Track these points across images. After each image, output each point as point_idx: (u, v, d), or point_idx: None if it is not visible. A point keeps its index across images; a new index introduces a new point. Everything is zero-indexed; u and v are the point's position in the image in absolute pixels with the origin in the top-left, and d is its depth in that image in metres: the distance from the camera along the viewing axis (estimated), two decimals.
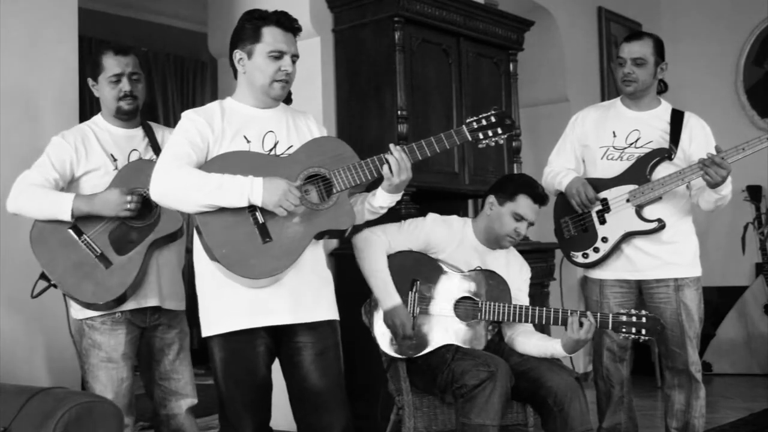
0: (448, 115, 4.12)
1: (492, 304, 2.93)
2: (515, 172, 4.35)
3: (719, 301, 5.82)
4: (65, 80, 3.24)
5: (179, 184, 2.31)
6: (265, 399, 2.50)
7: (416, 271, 2.97)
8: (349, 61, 4.03)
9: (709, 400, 3.46)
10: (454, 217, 3.14)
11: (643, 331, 2.82)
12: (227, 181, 2.31)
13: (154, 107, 6.82)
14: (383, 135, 3.79)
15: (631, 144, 3.19)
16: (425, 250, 3.03)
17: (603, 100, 5.61)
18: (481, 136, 2.57)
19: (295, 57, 2.48)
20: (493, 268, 3.01)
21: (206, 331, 2.46)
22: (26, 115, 3.10)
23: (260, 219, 2.36)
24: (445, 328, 2.95)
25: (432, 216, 3.09)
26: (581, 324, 2.80)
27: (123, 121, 2.84)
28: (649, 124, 3.21)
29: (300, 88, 2.78)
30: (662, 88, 3.30)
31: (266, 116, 2.52)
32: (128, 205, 2.61)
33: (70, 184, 2.73)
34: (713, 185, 2.99)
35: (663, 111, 3.24)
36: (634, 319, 2.83)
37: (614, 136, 3.23)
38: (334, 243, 3.81)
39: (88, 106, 6.31)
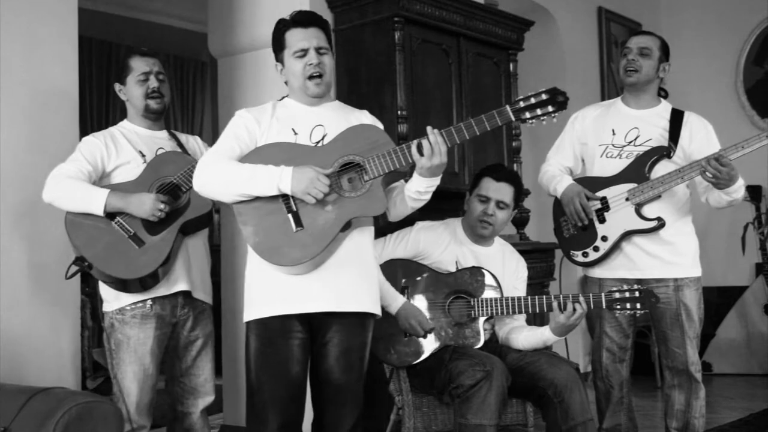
0: (448, 115, 4.12)
1: (484, 300, 2.93)
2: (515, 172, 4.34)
3: (719, 301, 5.82)
4: (65, 80, 3.24)
5: (217, 177, 2.42)
6: (296, 398, 2.50)
7: (404, 278, 2.97)
8: (349, 61, 4.03)
9: (709, 400, 3.46)
10: (442, 221, 3.14)
11: (638, 305, 2.82)
12: (259, 170, 2.38)
13: None
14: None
15: (631, 142, 3.19)
16: (414, 257, 3.03)
17: (603, 100, 5.61)
18: (527, 114, 2.42)
19: (322, 49, 2.52)
20: (488, 266, 3.01)
21: (245, 317, 2.52)
22: (26, 114, 3.10)
23: (293, 207, 2.41)
24: (441, 331, 2.95)
25: (419, 224, 3.10)
26: (568, 308, 2.81)
27: (150, 120, 2.97)
28: (648, 122, 3.20)
29: None
30: (663, 95, 3.30)
31: (317, 111, 2.57)
32: (159, 213, 2.72)
33: (102, 179, 2.85)
34: (721, 186, 2.99)
35: (663, 110, 3.24)
36: (627, 294, 2.83)
37: (613, 134, 3.22)
38: None
39: (88, 106, 6.33)
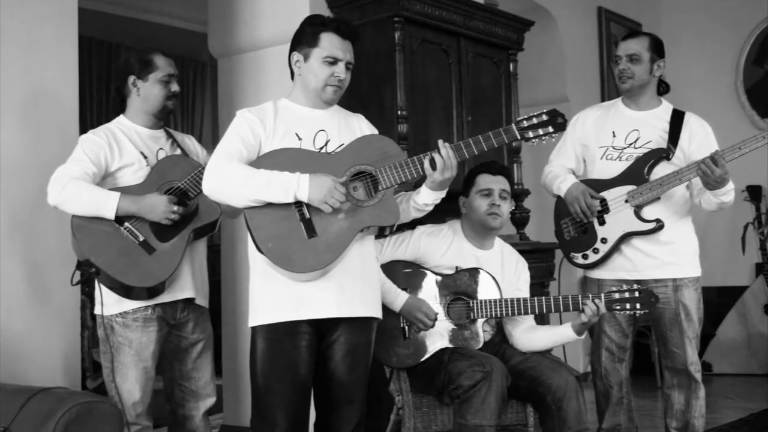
0: (448, 115, 4.12)
1: (483, 301, 2.93)
2: (515, 172, 4.34)
3: (719, 301, 5.83)
4: (65, 80, 3.24)
5: (229, 180, 2.38)
6: (303, 398, 2.50)
7: (402, 281, 2.97)
8: None
9: (709, 400, 3.46)
10: (444, 224, 3.14)
11: (638, 305, 2.82)
12: (275, 177, 2.36)
13: None
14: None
15: (631, 144, 3.19)
16: (413, 261, 3.03)
17: (603, 100, 5.61)
18: (531, 134, 2.55)
19: (349, 64, 2.55)
20: (488, 268, 3.01)
21: (251, 321, 2.50)
22: (26, 115, 3.10)
23: (306, 214, 2.40)
24: (440, 333, 2.95)
25: (420, 228, 3.10)
26: (588, 306, 2.83)
27: (156, 119, 2.91)
28: (649, 124, 3.20)
29: None
30: (664, 89, 3.30)
31: (318, 116, 2.57)
32: (172, 215, 2.68)
33: (104, 179, 2.77)
34: (711, 187, 2.99)
35: (663, 111, 3.24)
36: (626, 294, 2.84)
37: (614, 136, 3.23)
38: None
39: (88, 106, 6.33)
